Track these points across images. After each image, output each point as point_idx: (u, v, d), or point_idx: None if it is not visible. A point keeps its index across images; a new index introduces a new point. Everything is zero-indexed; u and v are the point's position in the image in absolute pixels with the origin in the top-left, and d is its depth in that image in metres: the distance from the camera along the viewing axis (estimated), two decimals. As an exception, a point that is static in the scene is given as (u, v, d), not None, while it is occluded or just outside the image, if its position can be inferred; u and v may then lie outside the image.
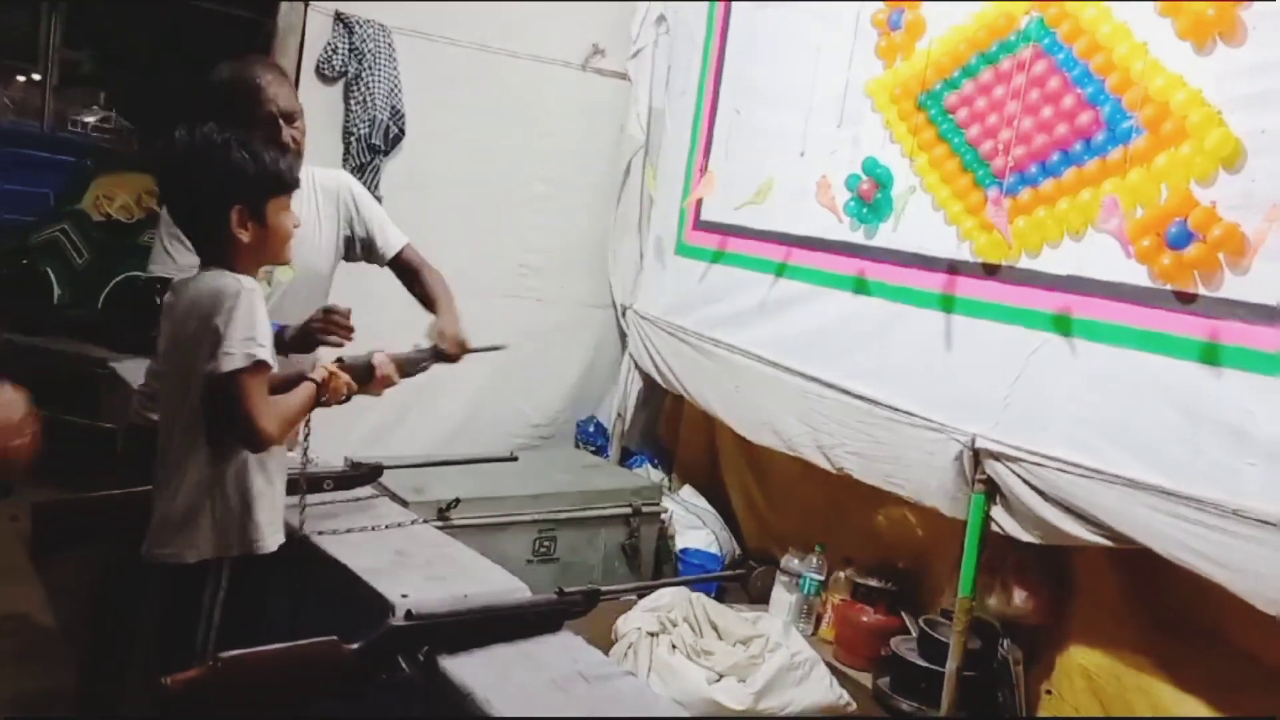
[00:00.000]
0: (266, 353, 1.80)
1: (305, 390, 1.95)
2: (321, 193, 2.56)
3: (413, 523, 2.32)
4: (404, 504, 2.81)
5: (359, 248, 2.63)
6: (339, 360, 2.10)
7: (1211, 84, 2.20)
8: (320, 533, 2.15)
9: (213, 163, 1.83)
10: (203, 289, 1.83)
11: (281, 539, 1.95)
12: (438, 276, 2.65)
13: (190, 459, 1.85)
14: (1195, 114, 2.20)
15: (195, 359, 1.80)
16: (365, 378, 2.15)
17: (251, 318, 1.79)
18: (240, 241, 1.87)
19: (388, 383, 2.21)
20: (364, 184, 3.41)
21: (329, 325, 2.20)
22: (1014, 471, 2.53)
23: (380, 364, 2.19)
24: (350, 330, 2.21)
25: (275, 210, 1.91)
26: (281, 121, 2.38)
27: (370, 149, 3.46)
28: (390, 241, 2.65)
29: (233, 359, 1.75)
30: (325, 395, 2.00)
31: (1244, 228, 2.11)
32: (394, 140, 3.53)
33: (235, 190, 1.85)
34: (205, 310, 1.80)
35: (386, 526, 2.24)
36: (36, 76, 6.58)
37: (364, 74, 3.40)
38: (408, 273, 2.66)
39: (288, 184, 1.94)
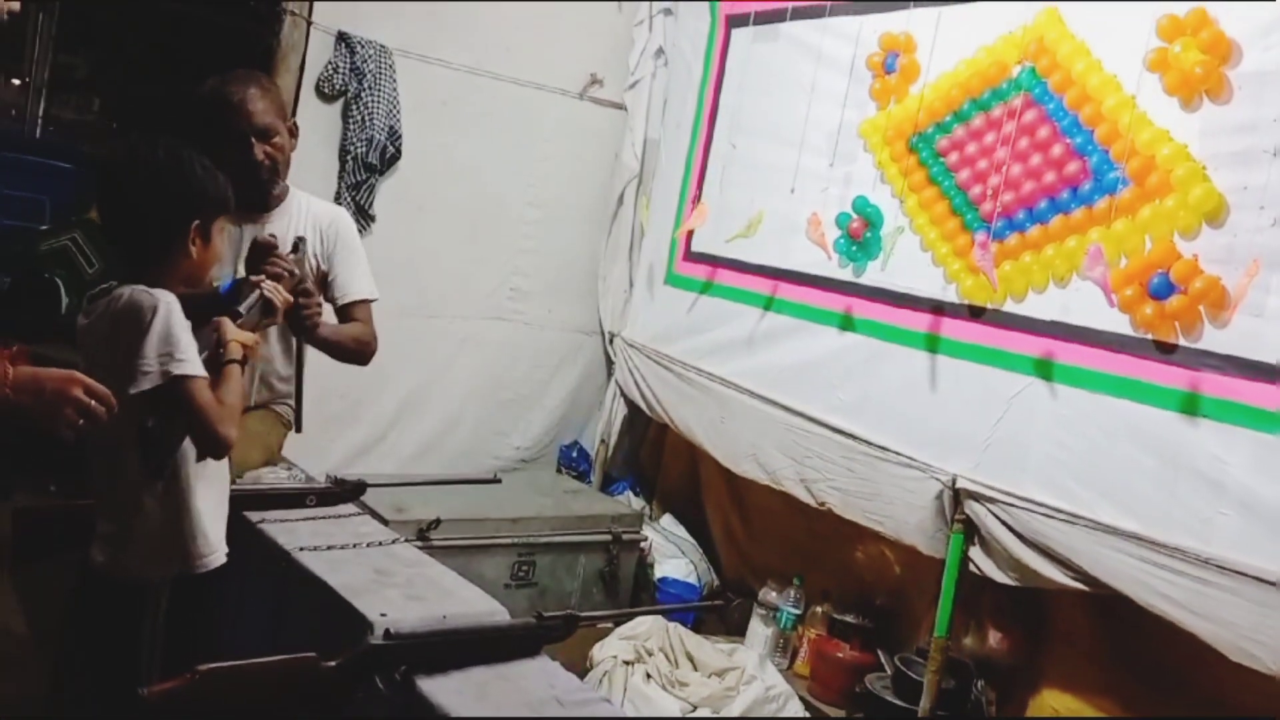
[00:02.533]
0: (189, 365, 1.77)
1: (233, 375, 1.89)
2: (311, 219, 2.58)
3: (393, 542, 2.31)
4: (385, 522, 2.80)
5: (320, 281, 2.61)
6: (228, 314, 2.00)
7: (1197, 140, 2.25)
8: (301, 549, 2.14)
9: (182, 178, 1.83)
10: (119, 308, 1.79)
11: (223, 555, 1.94)
12: (367, 338, 2.65)
13: (121, 477, 1.83)
14: (1180, 168, 2.25)
15: (119, 379, 1.74)
16: (267, 313, 2.10)
17: (169, 332, 1.77)
18: (188, 259, 1.87)
19: (287, 306, 2.15)
20: (359, 202, 3.46)
21: (273, 268, 2.16)
22: (993, 513, 2.55)
23: (269, 291, 2.10)
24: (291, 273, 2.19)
25: (219, 230, 1.93)
26: (254, 139, 2.40)
27: (366, 168, 3.48)
28: (351, 289, 2.63)
29: (150, 377, 1.73)
30: (249, 361, 1.96)
31: (1225, 281, 2.16)
32: (390, 160, 3.55)
33: (197, 207, 1.85)
34: (124, 329, 1.77)
35: (368, 545, 2.23)
36: (25, 79, 6.55)
37: (363, 94, 3.43)
38: (349, 320, 2.64)
39: (229, 206, 1.95)
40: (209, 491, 1.92)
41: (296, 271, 2.23)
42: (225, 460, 1.97)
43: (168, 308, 1.78)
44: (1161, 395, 2.28)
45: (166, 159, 1.84)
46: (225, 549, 1.95)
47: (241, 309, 2.02)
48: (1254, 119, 2.15)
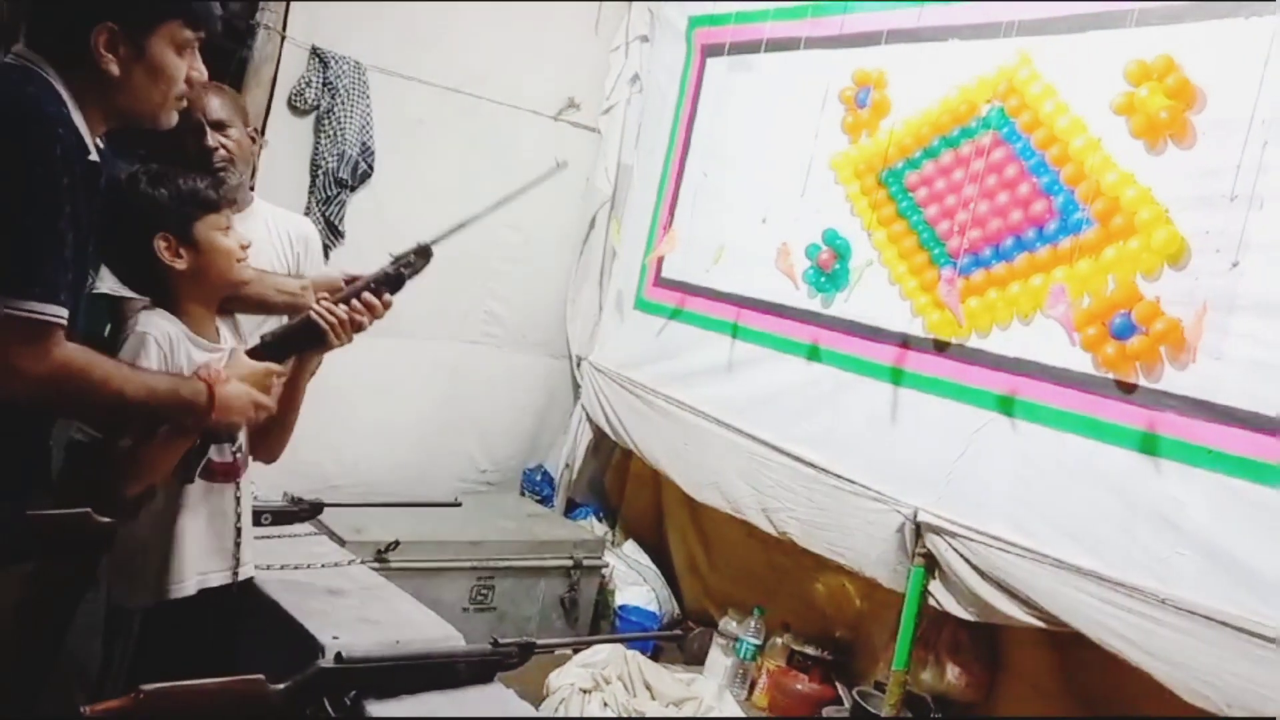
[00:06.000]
0: None
1: (166, 446, 1.80)
2: (277, 224, 2.63)
3: (349, 563, 2.29)
4: (342, 543, 2.77)
5: None
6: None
7: (1161, 183, 2.29)
8: (255, 568, 2.11)
9: (125, 200, 1.80)
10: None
11: (225, 575, 1.92)
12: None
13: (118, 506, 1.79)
14: (1144, 211, 2.28)
15: None
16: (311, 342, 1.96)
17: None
18: (176, 271, 1.83)
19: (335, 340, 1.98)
20: (328, 217, 3.44)
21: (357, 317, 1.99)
22: (953, 547, 2.56)
23: (320, 315, 1.96)
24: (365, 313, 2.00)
25: (207, 230, 1.86)
26: (209, 129, 2.44)
27: (337, 183, 3.46)
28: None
29: None
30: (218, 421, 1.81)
31: (1185, 323, 2.18)
32: (362, 176, 3.53)
33: (154, 220, 1.82)
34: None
35: (322, 565, 2.21)
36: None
37: (336, 109, 3.41)
38: None
39: (213, 201, 1.88)
40: (193, 521, 1.88)
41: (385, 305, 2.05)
42: (229, 491, 1.94)
43: (135, 340, 1.78)
44: (1122, 434, 2.30)
45: (109, 185, 1.80)
46: (198, 577, 1.89)
47: (265, 335, 1.94)
48: (1217, 164, 2.19)
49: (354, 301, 1.97)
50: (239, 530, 1.96)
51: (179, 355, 1.83)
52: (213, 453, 1.89)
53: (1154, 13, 2.35)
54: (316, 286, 2.08)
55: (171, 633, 1.86)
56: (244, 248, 1.94)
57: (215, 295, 1.93)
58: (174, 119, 1.79)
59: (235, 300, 2.03)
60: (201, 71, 1.78)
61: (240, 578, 1.97)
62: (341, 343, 1.97)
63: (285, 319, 2.11)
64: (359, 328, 1.98)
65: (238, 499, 1.98)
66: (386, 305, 2.02)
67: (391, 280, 2.04)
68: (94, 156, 1.69)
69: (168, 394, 1.72)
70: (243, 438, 1.98)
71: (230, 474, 1.96)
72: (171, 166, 1.88)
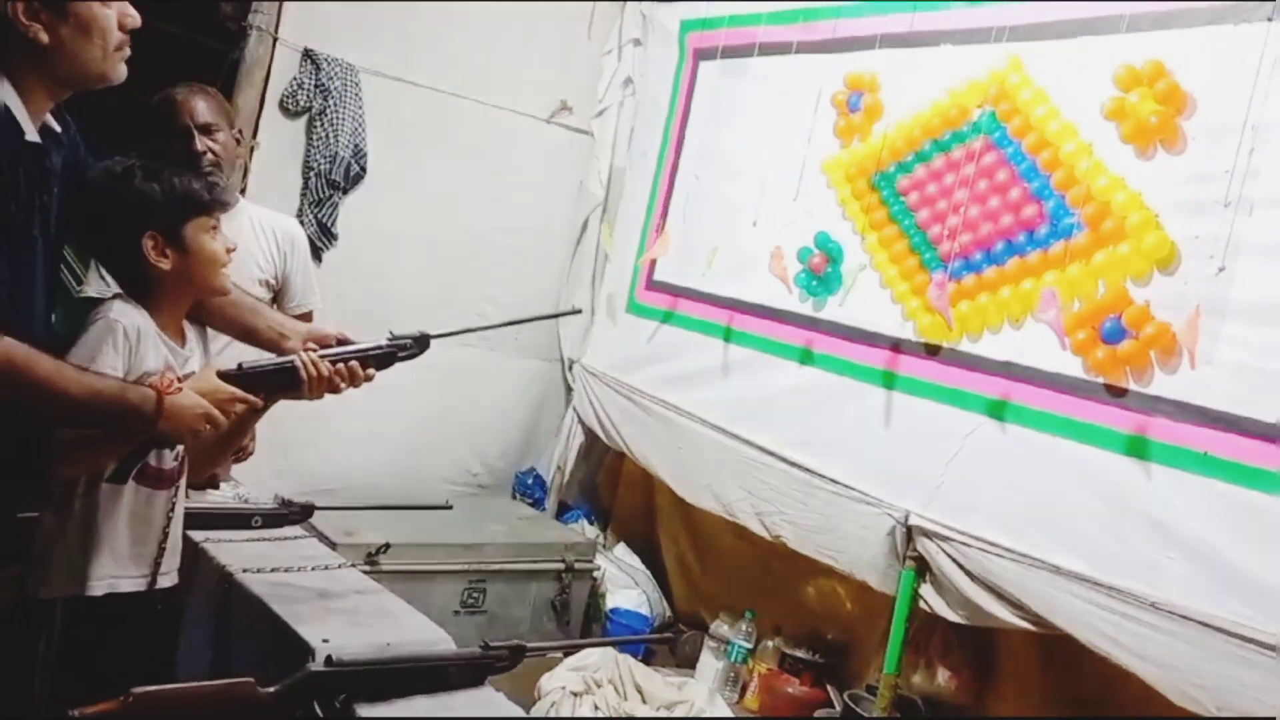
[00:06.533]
0: None
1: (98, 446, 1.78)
2: (263, 224, 2.68)
3: (339, 566, 2.28)
4: (333, 546, 2.76)
5: (272, 289, 2.69)
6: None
7: (1151, 188, 2.30)
8: (244, 570, 2.10)
9: (117, 194, 1.79)
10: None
11: (139, 583, 1.88)
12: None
13: (47, 493, 1.80)
14: (1135, 215, 2.29)
15: None
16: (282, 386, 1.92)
17: (86, 348, 1.75)
18: (161, 270, 1.82)
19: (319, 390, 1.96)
20: (321, 219, 3.44)
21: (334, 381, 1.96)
22: (944, 550, 2.56)
23: (305, 363, 1.92)
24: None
25: (196, 232, 1.85)
26: (197, 132, 2.49)
27: (330, 185, 3.45)
28: (306, 300, 2.75)
29: None
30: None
31: (1175, 328, 2.19)
32: (355, 178, 3.53)
33: (144, 218, 1.80)
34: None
35: (313, 568, 2.20)
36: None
37: (328, 110, 3.41)
38: None
39: (205, 204, 1.87)
40: (112, 522, 1.85)
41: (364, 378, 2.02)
42: (160, 497, 1.91)
43: (104, 326, 1.77)
44: (1112, 438, 2.30)
45: (101, 179, 1.81)
46: (108, 580, 1.85)
47: (245, 365, 1.89)
48: (1207, 170, 2.20)
49: (339, 364, 1.95)
50: (164, 538, 1.92)
51: (145, 350, 1.80)
52: (151, 456, 1.85)
53: (1144, 18, 2.36)
54: (309, 337, 2.04)
55: (86, 631, 1.83)
56: (229, 251, 1.92)
57: (195, 298, 1.92)
58: (123, 71, 1.72)
59: (223, 321, 2.01)
60: (134, 16, 1.71)
61: (159, 587, 1.92)
62: (312, 397, 1.94)
63: (265, 355, 2.05)
64: (334, 390, 1.96)
65: (172, 505, 1.94)
66: (368, 378, 1.99)
67: (383, 357, 2.03)
68: (31, 137, 1.63)
69: (114, 397, 1.69)
70: (181, 448, 1.93)
71: (165, 480, 1.92)
72: (167, 164, 1.87)
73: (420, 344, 2.07)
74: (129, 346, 1.78)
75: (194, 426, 1.76)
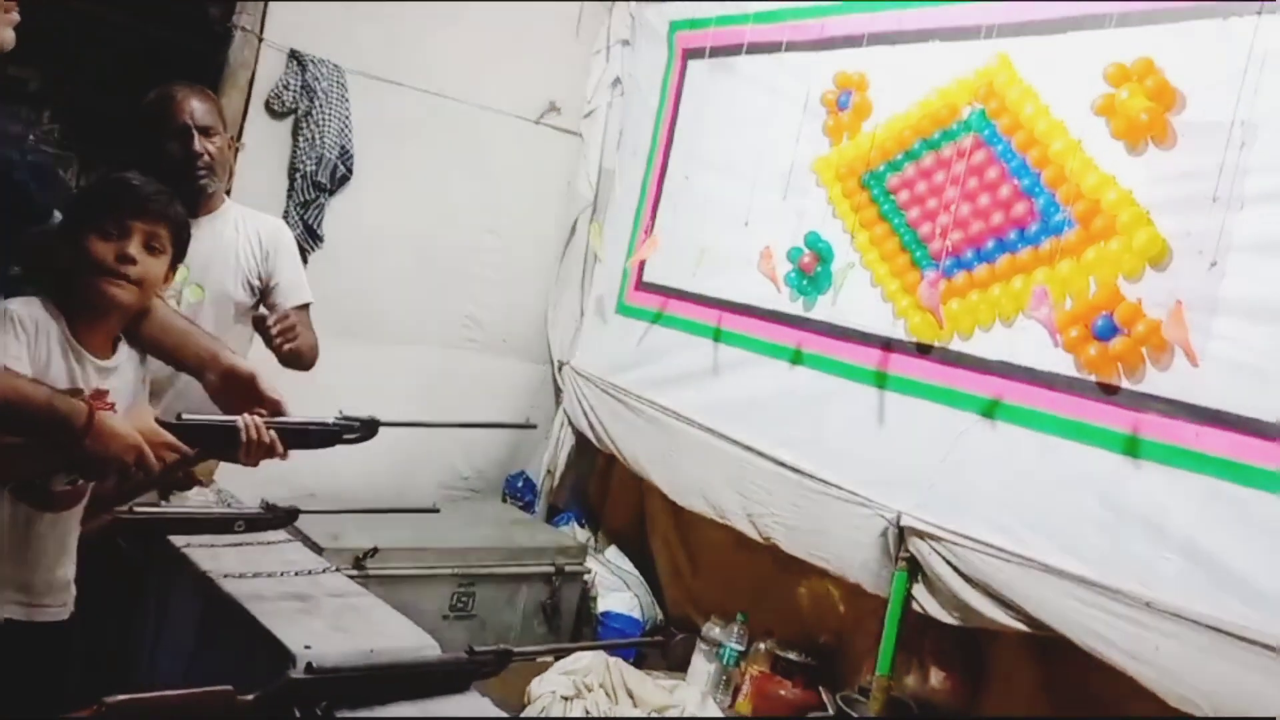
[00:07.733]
0: None
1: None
2: (246, 224, 2.63)
3: (324, 570, 2.25)
4: (320, 551, 2.73)
5: (257, 289, 2.65)
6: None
7: (1142, 185, 2.28)
8: (226, 575, 2.07)
9: (25, 189, 1.76)
10: None
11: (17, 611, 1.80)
12: (315, 342, 2.63)
13: None
14: (1125, 213, 2.27)
15: None
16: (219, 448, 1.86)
17: None
18: (60, 269, 1.75)
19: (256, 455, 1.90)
20: (307, 221, 3.41)
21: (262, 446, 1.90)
22: (937, 551, 2.54)
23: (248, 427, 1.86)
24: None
25: (88, 231, 1.75)
26: (196, 133, 2.45)
27: (316, 186, 3.42)
28: (295, 295, 2.66)
29: None
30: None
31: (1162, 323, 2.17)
32: (341, 180, 3.50)
33: (60, 212, 1.77)
34: None
35: (296, 573, 2.17)
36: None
37: (314, 111, 3.38)
38: None
39: (103, 204, 1.77)
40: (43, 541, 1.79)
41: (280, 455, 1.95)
42: (49, 520, 1.82)
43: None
44: (1105, 437, 2.28)
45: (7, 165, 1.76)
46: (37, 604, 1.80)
47: (186, 416, 1.82)
48: (1197, 166, 2.18)
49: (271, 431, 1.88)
50: (45, 567, 1.83)
51: (50, 346, 1.73)
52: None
53: (1133, 15, 2.34)
54: (228, 370, 1.96)
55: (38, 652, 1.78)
56: (125, 260, 1.77)
57: (94, 305, 1.79)
58: (11, 37, 1.64)
59: (149, 343, 1.93)
60: None
61: (39, 619, 1.82)
62: (246, 462, 1.88)
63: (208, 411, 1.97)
64: (271, 456, 1.91)
65: (64, 532, 1.85)
66: (284, 456, 1.94)
67: (326, 434, 2.01)
68: None
69: (41, 404, 1.62)
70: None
71: (60, 503, 1.81)
72: (130, 169, 1.82)
73: (369, 429, 2.04)
74: (26, 339, 1.70)
75: (122, 458, 1.67)
